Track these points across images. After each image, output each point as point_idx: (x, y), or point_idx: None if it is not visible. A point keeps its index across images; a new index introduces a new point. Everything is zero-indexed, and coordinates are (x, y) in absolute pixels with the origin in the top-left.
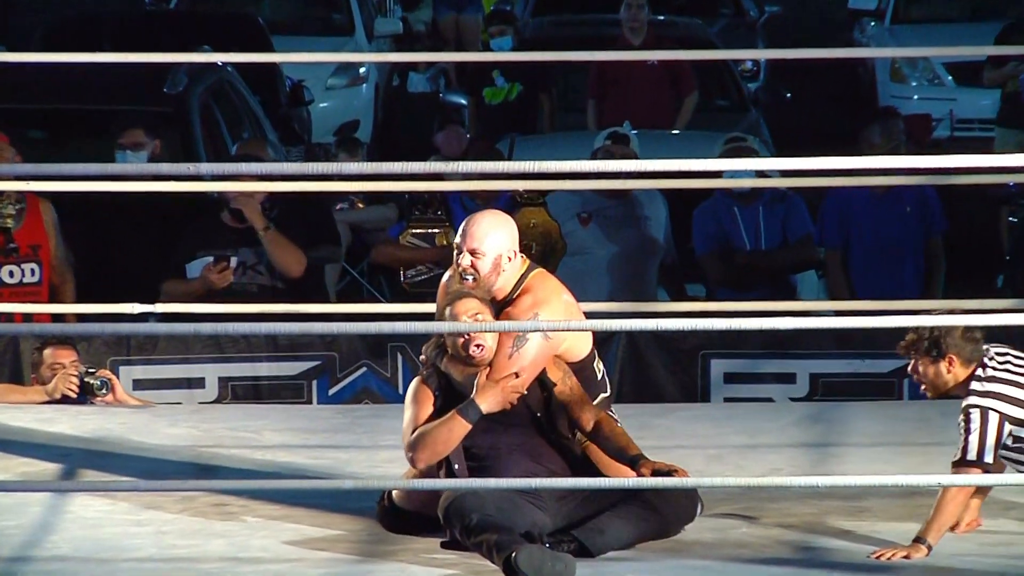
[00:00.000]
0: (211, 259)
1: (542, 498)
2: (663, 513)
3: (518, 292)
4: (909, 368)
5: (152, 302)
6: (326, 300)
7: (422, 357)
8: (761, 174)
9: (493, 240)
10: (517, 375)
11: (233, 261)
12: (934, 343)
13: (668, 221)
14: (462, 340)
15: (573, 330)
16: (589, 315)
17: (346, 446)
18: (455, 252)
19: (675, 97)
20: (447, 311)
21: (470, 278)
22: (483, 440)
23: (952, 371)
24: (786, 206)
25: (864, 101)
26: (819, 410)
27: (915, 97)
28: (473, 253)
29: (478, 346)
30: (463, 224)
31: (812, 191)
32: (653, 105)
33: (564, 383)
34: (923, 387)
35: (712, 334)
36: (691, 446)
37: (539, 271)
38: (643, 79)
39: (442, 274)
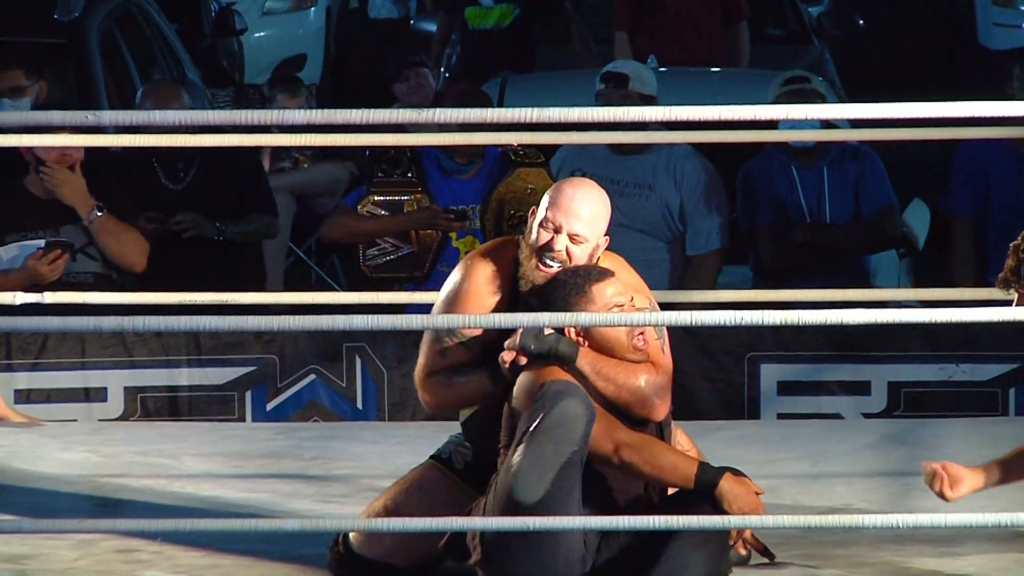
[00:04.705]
0: (36, 245)
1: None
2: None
3: None
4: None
5: None
6: (263, 287)
7: (518, 343)
8: (827, 124)
9: (600, 225)
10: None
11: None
12: None
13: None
14: (636, 334)
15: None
16: None
17: (290, 475)
18: (537, 225)
19: (724, 26)
20: (579, 297)
21: (555, 264)
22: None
23: None
24: (859, 167)
25: (958, 29)
26: (900, 429)
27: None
28: (573, 239)
29: (641, 334)
30: (557, 193)
31: (895, 147)
32: (700, 37)
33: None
34: None
35: (763, 331)
36: None
37: (606, 252)
38: (686, 4)
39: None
